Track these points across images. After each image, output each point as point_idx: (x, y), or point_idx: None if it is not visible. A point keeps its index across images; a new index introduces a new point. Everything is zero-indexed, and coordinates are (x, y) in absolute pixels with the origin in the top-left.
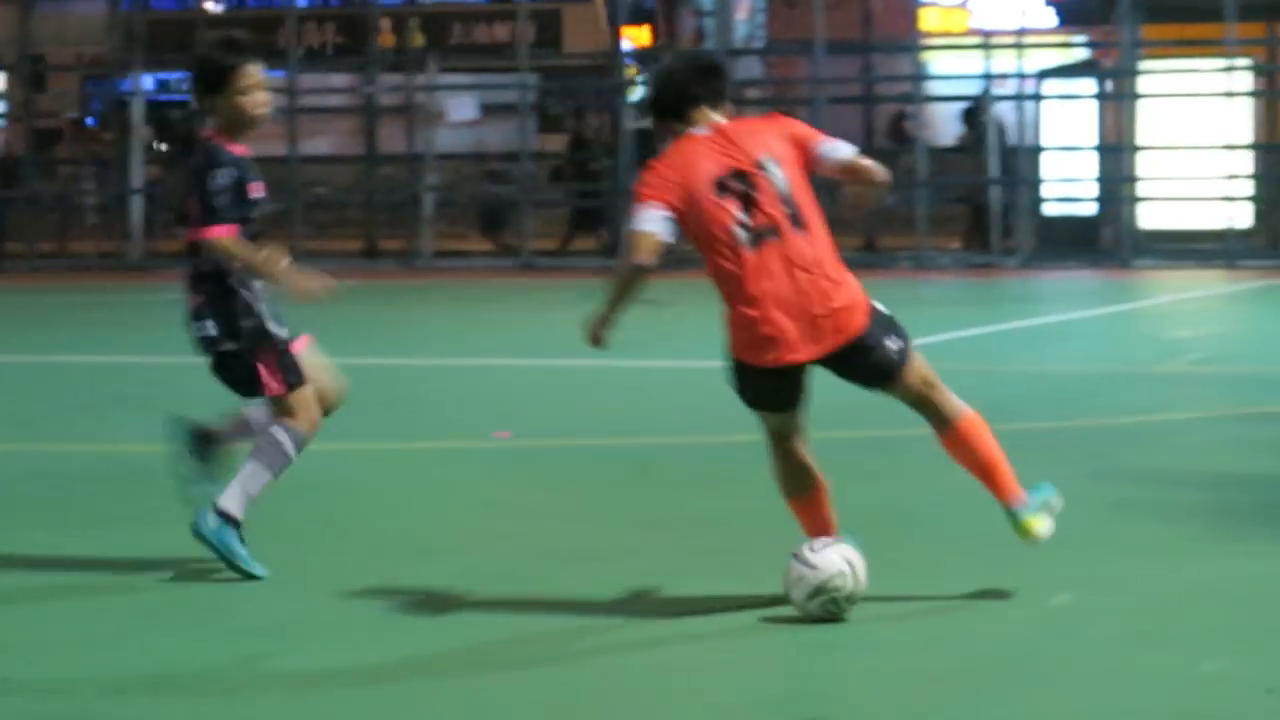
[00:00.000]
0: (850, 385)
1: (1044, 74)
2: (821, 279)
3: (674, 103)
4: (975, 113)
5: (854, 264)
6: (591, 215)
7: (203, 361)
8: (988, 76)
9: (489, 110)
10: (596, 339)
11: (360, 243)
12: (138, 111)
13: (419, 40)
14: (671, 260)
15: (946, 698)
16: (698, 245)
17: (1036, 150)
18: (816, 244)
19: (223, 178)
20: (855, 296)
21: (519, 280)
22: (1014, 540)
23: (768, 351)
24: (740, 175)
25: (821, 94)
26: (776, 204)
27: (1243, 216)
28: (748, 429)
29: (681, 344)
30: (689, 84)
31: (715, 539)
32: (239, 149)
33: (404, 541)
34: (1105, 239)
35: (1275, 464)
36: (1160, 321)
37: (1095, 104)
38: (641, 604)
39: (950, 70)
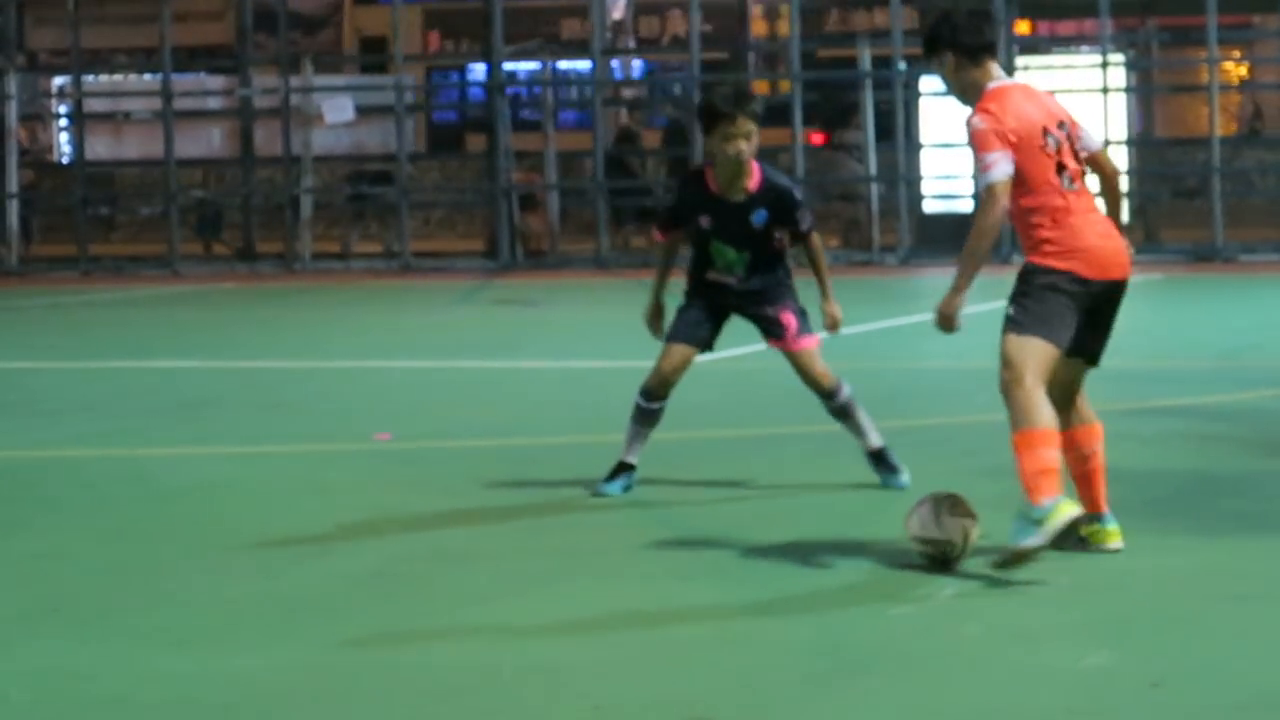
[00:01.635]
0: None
1: (920, 71)
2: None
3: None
4: (850, 110)
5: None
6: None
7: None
8: (864, 74)
9: (365, 112)
10: (950, 319)
11: (238, 245)
12: (11, 115)
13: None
14: (548, 262)
15: (827, 693)
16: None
17: (915, 148)
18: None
19: None
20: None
21: (398, 282)
22: (900, 539)
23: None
24: (1061, 126)
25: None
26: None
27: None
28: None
29: (558, 344)
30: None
31: (597, 540)
32: None
33: (285, 543)
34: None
35: (1158, 459)
36: None
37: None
38: (523, 604)
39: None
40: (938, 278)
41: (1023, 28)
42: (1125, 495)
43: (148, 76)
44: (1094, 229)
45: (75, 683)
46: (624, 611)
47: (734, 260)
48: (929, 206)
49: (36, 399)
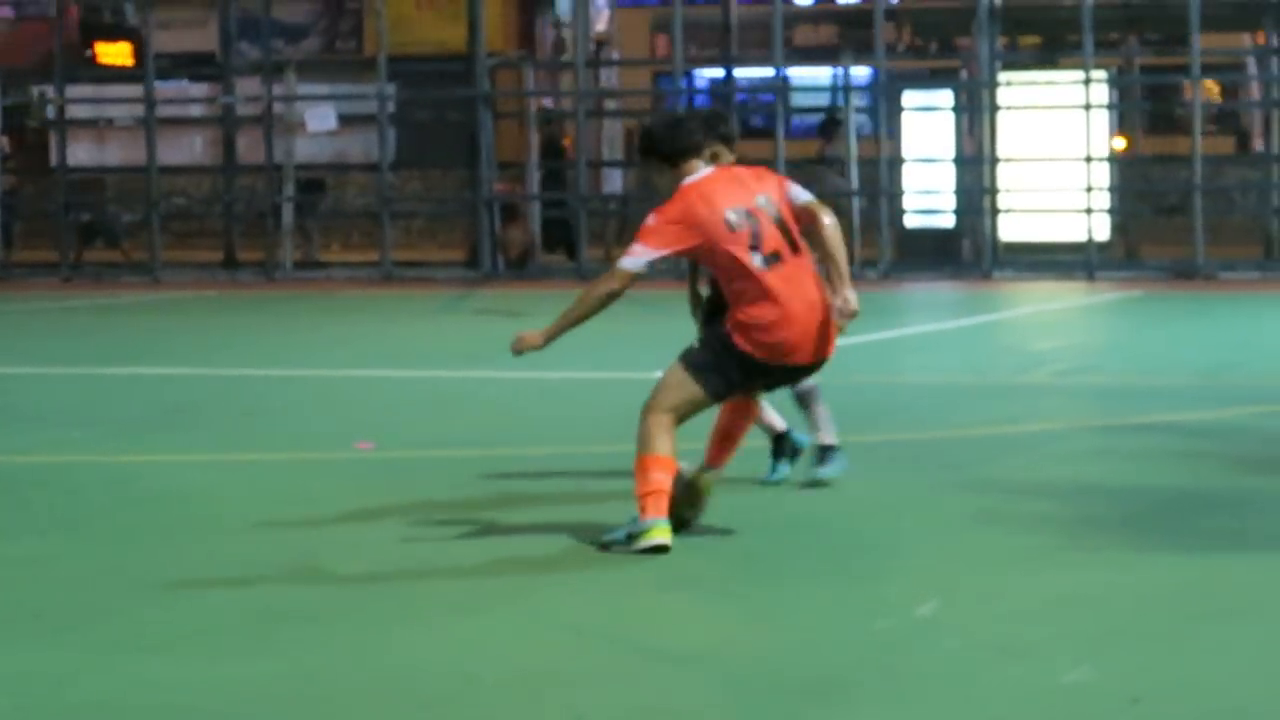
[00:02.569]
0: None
1: (902, 86)
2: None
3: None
4: (834, 124)
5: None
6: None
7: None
8: (846, 88)
9: (346, 120)
10: (526, 349)
11: (219, 253)
12: None
13: None
14: (534, 271)
15: (809, 706)
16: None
17: (896, 162)
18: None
19: None
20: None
21: (379, 291)
22: (878, 550)
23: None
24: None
25: (681, 104)
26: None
27: (1101, 229)
28: (608, 440)
29: (541, 356)
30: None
31: (579, 551)
32: None
33: (266, 551)
34: (965, 251)
35: (1135, 475)
36: (1021, 333)
37: (953, 115)
38: (505, 614)
39: (809, 81)
40: (918, 292)
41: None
42: (1105, 510)
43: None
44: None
45: (57, 688)
46: (606, 622)
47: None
48: (910, 221)
49: (17, 404)
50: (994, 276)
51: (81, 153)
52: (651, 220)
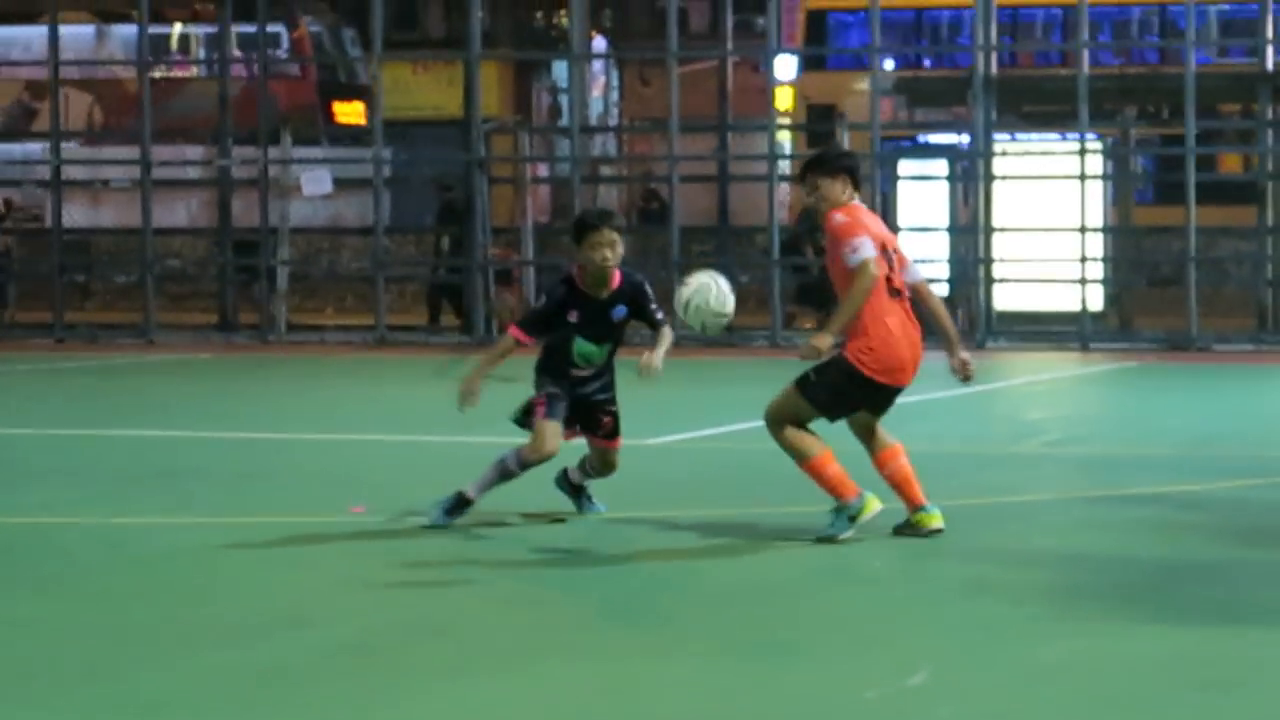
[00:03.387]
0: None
1: (898, 154)
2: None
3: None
4: None
5: (705, 342)
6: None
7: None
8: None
9: (342, 184)
10: (816, 351)
11: (214, 315)
12: None
13: None
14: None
15: None
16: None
17: (891, 231)
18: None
19: None
20: None
21: (373, 355)
22: (871, 618)
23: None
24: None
25: (676, 172)
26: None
27: (1095, 299)
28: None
29: None
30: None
31: (572, 615)
32: None
33: (258, 614)
34: (959, 320)
35: (1127, 545)
36: (1014, 403)
37: (948, 184)
38: (498, 679)
39: (803, 150)
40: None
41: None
42: (1096, 580)
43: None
44: None
45: None
46: (599, 688)
47: (594, 353)
48: None
49: (11, 465)
50: (988, 346)
51: (76, 214)
52: (846, 219)
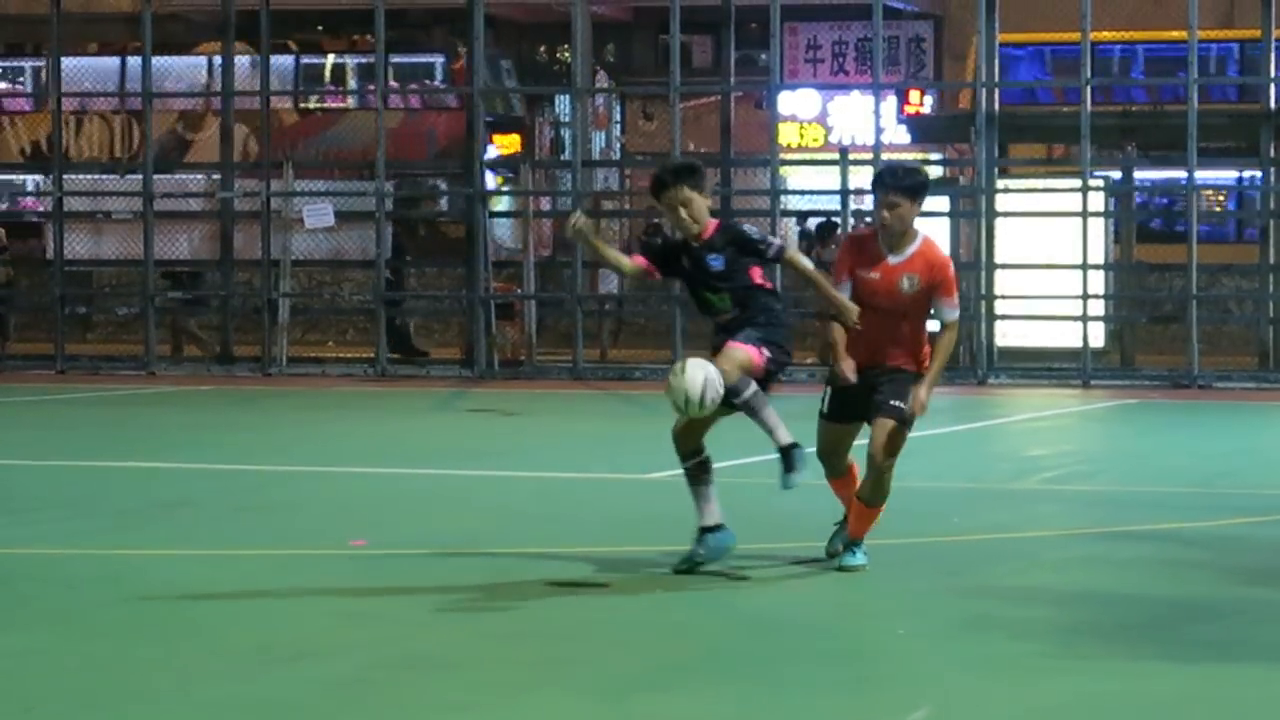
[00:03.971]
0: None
1: None
2: None
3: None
4: (830, 228)
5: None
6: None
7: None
8: (845, 192)
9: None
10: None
11: (215, 348)
12: None
13: None
14: (529, 371)
15: None
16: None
17: None
18: None
19: None
20: None
21: (374, 388)
22: (872, 654)
23: None
24: None
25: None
26: None
27: (1097, 336)
28: (601, 541)
29: (536, 456)
30: None
31: (572, 650)
32: None
33: (258, 647)
34: (961, 356)
35: (1129, 583)
36: (1015, 439)
37: (950, 221)
38: (497, 715)
39: (807, 185)
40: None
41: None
42: (1098, 618)
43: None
44: None
45: None
46: None
47: (714, 301)
48: None
49: (11, 496)
50: (989, 382)
51: (78, 245)
52: (951, 273)
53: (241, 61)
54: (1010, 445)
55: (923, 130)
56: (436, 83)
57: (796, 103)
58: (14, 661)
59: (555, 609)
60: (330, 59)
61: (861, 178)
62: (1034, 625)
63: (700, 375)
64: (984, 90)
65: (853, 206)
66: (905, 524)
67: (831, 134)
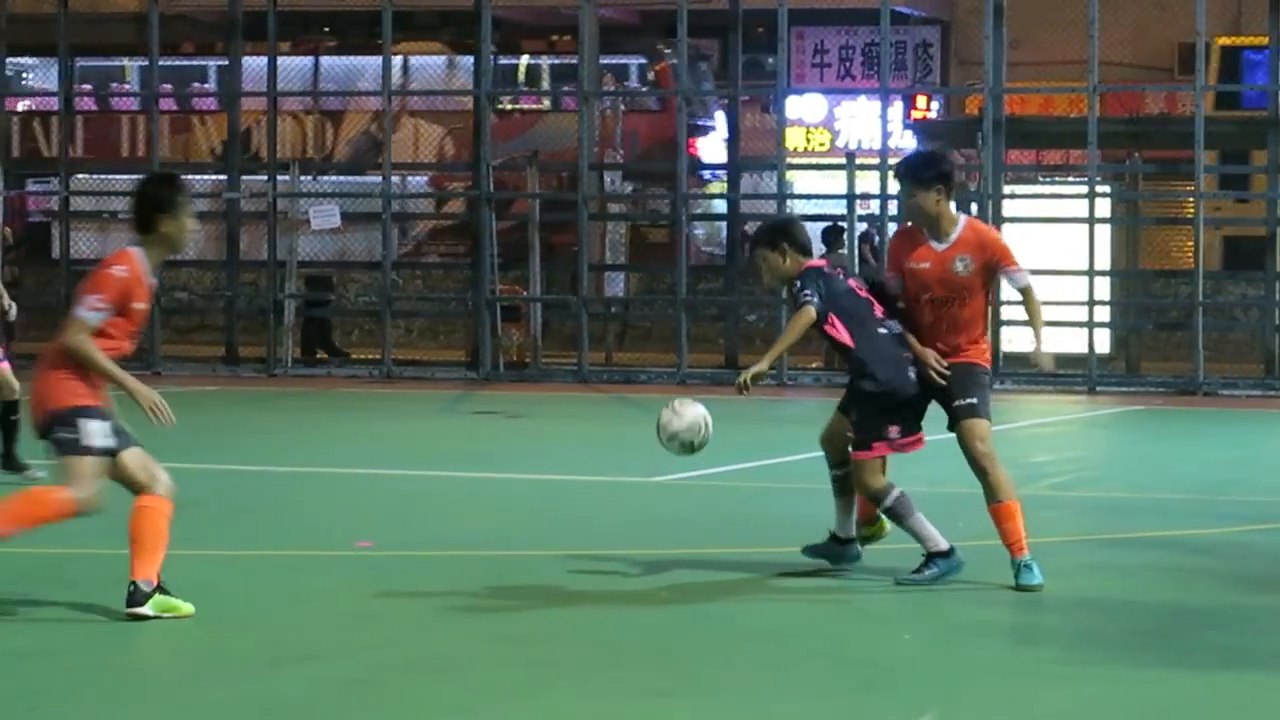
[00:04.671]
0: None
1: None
2: None
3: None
4: (836, 232)
5: (715, 380)
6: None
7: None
8: (852, 196)
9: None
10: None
11: (220, 348)
12: None
13: None
14: (534, 373)
15: None
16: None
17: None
18: None
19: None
20: None
21: (380, 390)
22: (878, 661)
23: None
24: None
25: (684, 210)
26: None
27: (1102, 342)
28: (606, 544)
29: (541, 458)
30: None
31: (576, 653)
32: None
33: (263, 648)
34: None
35: (1135, 589)
36: (1022, 445)
37: None
38: (501, 717)
39: (814, 189)
40: None
41: (1012, 156)
42: (1104, 624)
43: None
44: None
45: None
46: None
47: None
48: None
49: None
50: (994, 388)
51: (84, 245)
52: (1004, 243)
53: (437, 61)
54: (1016, 451)
55: (930, 135)
56: (634, 84)
57: (803, 107)
58: (20, 661)
59: (559, 612)
60: (524, 60)
61: (868, 182)
62: (1040, 631)
63: (697, 412)
64: (991, 95)
65: (859, 211)
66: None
67: (838, 138)
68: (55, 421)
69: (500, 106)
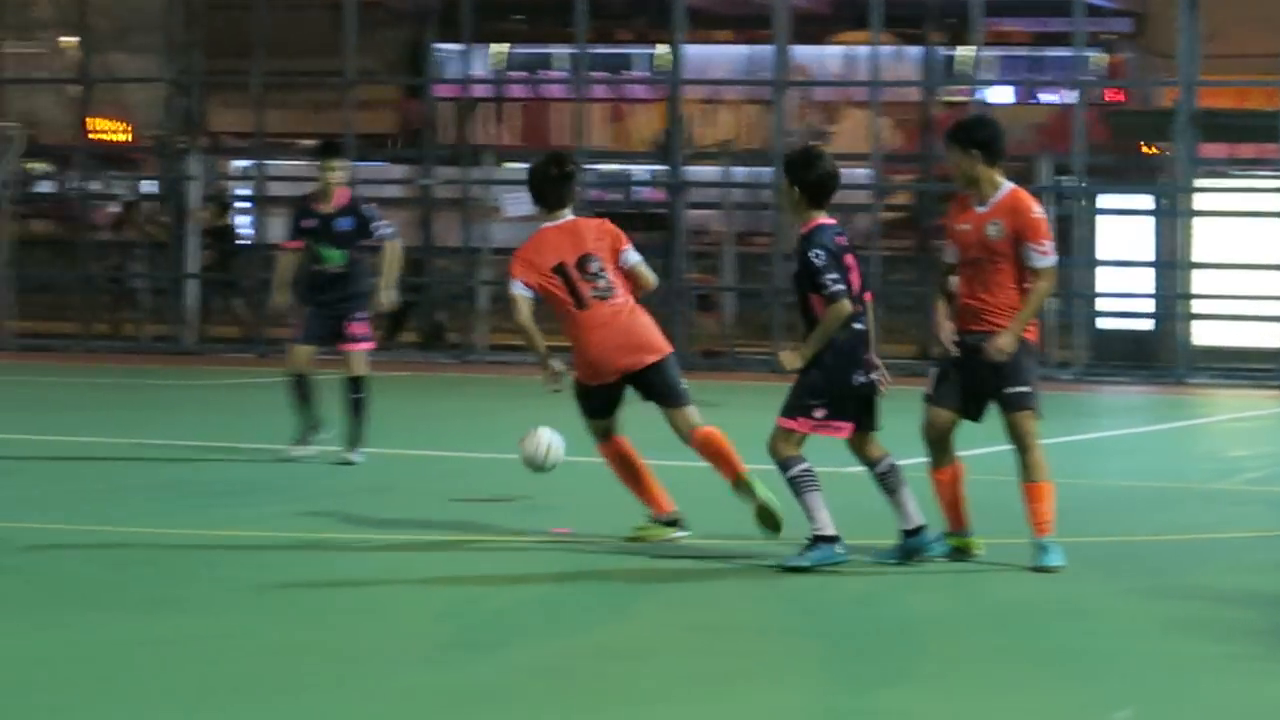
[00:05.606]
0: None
1: (1099, 189)
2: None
3: None
4: None
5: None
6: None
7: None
8: (1040, 189)
9: None
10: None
11: (416, 335)
12: (194, 194)
13: None
14: (728, 362)
15: None
16: None
17: (1092, 264)
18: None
19: None
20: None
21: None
22: (1072, 654)
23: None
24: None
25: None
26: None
27: None
28: (803, 535)
29: (735, 447)
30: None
31: (767, 644)
32: None
33: (456, 635)
34: (1161, 354)
35: None
36: (1216, 439)
37: (1152, 219)
38: (697, 707)
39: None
40: (1114, 395)
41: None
42: (1255, 620)
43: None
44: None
45: None
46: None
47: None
48: (1104, 323)
49: (211, 480)
50: (1188, 381)
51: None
52: (1035, 217)
53: (885, 51)
54: (1211, 446)
55: (1120, 128)
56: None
57: (993, 98)
58: (222, 642)
59: (754, 601)
60: (971, 51)
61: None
62: (1239, 627)
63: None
64: (1184, 88)
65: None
66: (1104, 523)
67: None
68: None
69: (945, 99)
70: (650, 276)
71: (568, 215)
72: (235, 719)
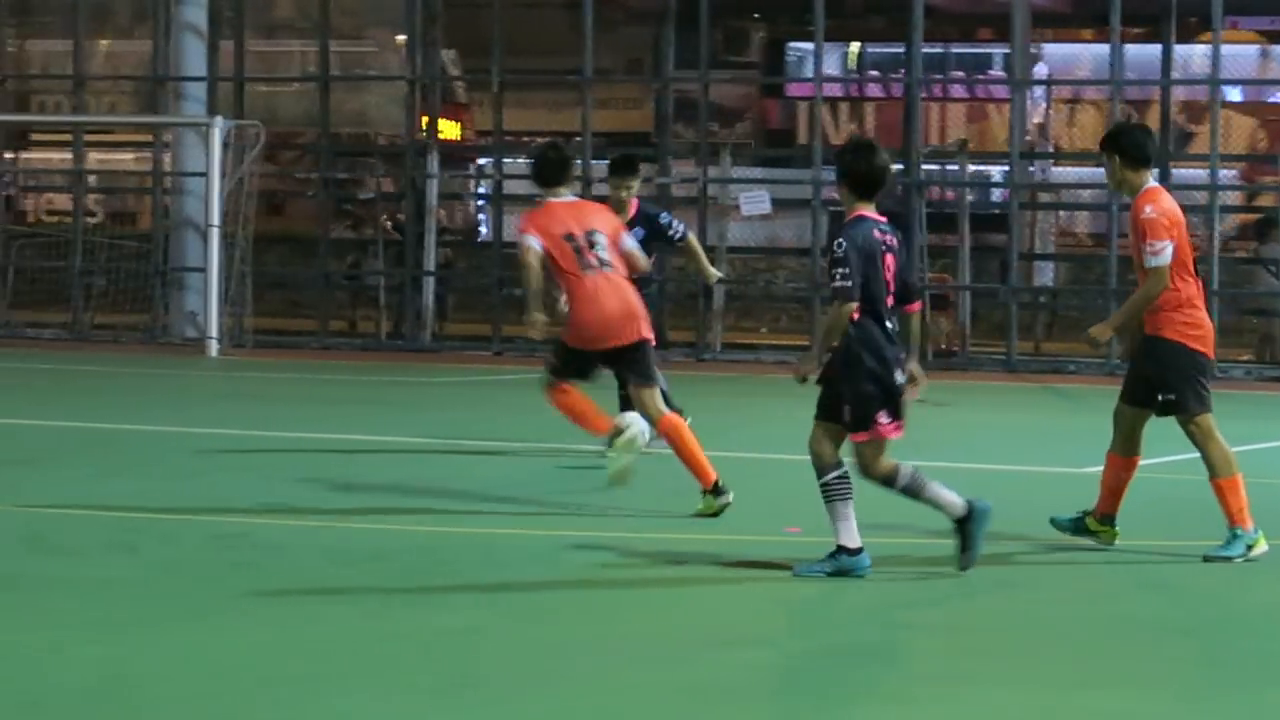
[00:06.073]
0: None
1: None
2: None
3: None
4: (1267, 224)
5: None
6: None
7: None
8: None
9: (779, 204)
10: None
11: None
12: (432, 194)
13: None
14: (962, 361)
15: None
16: None
17: None
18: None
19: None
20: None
21: None
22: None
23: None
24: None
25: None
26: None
27: None
28: (1033, 535)
29: (969, 447)
30: None
31: (1003, 644)
32: None
33: (684, 633)
34: None
35: None
36: None
37: None
38: (939, 708)
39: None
40: None
41: None
42: None
43: None
44: None
45: None
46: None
47: None
48: None
49: (448, 478)
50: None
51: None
52: (1145, 216)
53: (1248, 50)
54: None
55: None
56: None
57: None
58: (456, 638)
59: (989, 601)
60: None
61: None
62: None
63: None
64: None
65: None
66: None
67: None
68: None
69: None
70: (642, 260)
71: (568, 195)
72: (477, 716)
